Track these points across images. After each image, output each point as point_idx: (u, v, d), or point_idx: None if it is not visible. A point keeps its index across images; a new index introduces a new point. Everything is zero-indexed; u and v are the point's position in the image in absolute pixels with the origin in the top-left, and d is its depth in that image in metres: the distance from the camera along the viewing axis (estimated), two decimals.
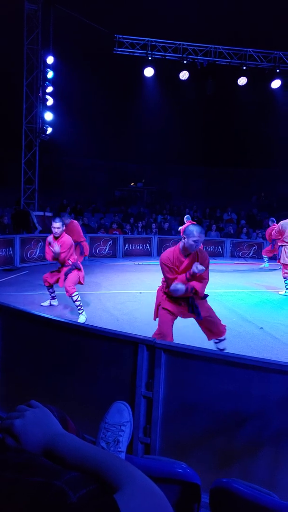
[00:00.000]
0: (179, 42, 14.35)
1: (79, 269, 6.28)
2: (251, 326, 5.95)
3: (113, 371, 2.50)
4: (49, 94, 14.02)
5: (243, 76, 15.00)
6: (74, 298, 6.02)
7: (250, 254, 14.80)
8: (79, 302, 6.06)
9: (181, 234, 11.35)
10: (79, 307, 6.06)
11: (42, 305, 6.83)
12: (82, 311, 6.08)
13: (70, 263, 6.19)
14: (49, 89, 13.97)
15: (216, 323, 4.04)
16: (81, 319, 5.98)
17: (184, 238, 3.68)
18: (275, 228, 8.81)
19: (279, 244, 8.68)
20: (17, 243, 11.07)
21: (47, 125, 14.13)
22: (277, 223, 11.37)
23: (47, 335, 2.82)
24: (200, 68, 14.63)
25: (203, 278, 3.80)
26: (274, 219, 12.06)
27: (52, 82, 14.03)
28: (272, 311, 7.08)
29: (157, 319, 4.12)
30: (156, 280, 9.59)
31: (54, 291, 6.76)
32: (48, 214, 14.53)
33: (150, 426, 2.35)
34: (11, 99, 14.11)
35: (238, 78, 15.08)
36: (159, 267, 3.98)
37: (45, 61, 13.69)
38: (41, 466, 0.78)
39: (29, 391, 2.89)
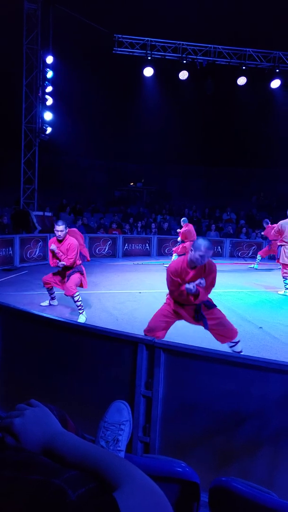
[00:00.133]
0: (178, 42, 14.35)
1: (82, 274, 6.27)
2: (250, 325, 5.95)
3: (113, 371, 2.51)
4: (49, 94, 14.02)
5: (243, 76, 14.98)
6: (76, 298, 6.02)
7: (250, 254, 14.80)
8: (80, 302, 6.07)
9: (179, 236, 11.38)
10: (79, 307, 6.06)
11: (41, 305, 6.83)
12: (83, 311, 6.08)
13: (79, 262, 6.19)
14: (49, 89, 13.96)
15: (228, 327, 4.05)
16: (81, 319, 5.98)
17: (192, 250, 3.70)
18: (275, 228, 8.81)
19: (278, 244, 8.68)
20: (16, 243, 11.06)
21: (47, 125, 14.13)
22: (272, 223, 11.41)
23: (47, 335, 2.82)
24: (200, 68, 14.63)
25: (209, 286, 3.86)
26: (268, 221, 12.06)
27: (52, 82, 14.02)
28: (271, 310, 7.09)
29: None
30: (156, 280, 9.64)
31: (54, 292, 6.76)
32: (47, 214, 14.53)
33: (149, 425, 2.36)
34: (11, 99, 14.11)
35: (238, 78, 15.06)
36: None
37: (44, 61, 13.68)
38: (41, 465, 0.78)
39: (28, 390, 2.89)
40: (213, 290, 3.97)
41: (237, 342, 4.14)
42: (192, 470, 1.47)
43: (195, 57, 14.50)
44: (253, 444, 2.16)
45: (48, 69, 13.75)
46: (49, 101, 14.06)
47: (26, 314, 2.90)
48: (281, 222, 8.54)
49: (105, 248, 13.79)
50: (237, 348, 4.15)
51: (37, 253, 11.74)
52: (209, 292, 3.91)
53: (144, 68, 14.63)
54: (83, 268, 6.35)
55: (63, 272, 6.21)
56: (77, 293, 6.00)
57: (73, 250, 6.07)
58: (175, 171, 22.46)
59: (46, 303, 6.88)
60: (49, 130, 14.21)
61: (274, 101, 16.21)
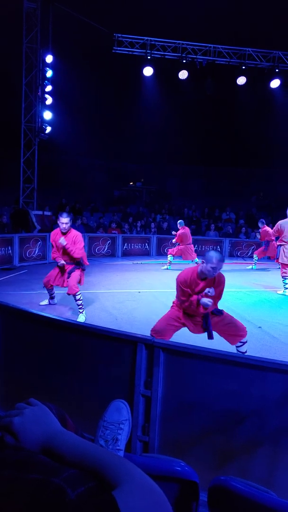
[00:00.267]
0: (178, 42, 14.34)
1: (84, 270, 6.26)
2: (249, 325, 5.95)
3: (112, 370, 2.51)
4: (48, 93, 14.00)
5: (242, 75, 14.98)
6: (78, 297, 6.02)
7: (249, 254, 14.79)
8: (81, 301, 6.07)
9: (175, 239, 11.37)
10: (80, 306, 6.06)
11: (40, 304, 6.83)
12: (83, 311, 6.08)
13: (79, 257, 6.16)
14: (48, 88, 13.94)
15: (238, 326, 4.08)
16: (81, 318, 5.97)
17: (203, 262, 3.72)
18: (274, 228, 8.81)
19: (277, 243, 8.69)
20: (16, 242, 11.06)
21: (46, 124, 14.12)
22: (272, 223, 11.41)
23: (46, 334, 2.82)
24: (199, 67, 14.62)
25: (216, 298, 3.89)
26: (263, 221, 12.05)
27: (51, 81, 14.00)
28: (270, 310, 7.09)
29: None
30: (155, 280, 9.64)
31: (54, 291, 6.76)
32: (47, 213, 14.52)
33: (148, 425, 2.36)
34: (10, 98, 14.09)
35: (237, 77, 15.05)
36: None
37: (44, 60, 13.66)
38: (40, 464, 0.78)
39: (28, 389, 2.89)
40: None
41: (244, 342, 4.18)
42: (191, 469, 1.47)
43: (194, 56, 14.49)
44: (252, 444, 2.16)
45: (47, 68, 13.74)
46: (49, 100, 14.04)
47: (25, 314, 2.90)
48: (280, 221, 8.55)
49: (105, 247, 13.79)
50: (243, 348, 4.17)
51: (36, 253, 11.74)
52: (216, 304, 3.95)
53: (143, 67, 14.62)
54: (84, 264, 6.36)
55: (63, 268, 6.19)
56: (79, 292, 6.01)
57: (80, 241, 6.05)
58: (175, 170, 22.46)
59: (45, 302, 6.88)
60: (48, 129, 14.19)
61: (273, 101, 16.21)
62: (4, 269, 10.36)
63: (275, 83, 15.13)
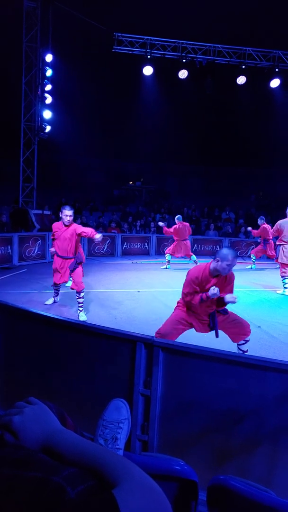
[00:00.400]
0: (178, 41, 14.33)
1: (82, 262, 6.30)
2: None
3: (112, 369, 2.51)
4: (48, 92, 13.98)
5: (242, 75, 14.96)
6: (81, 294, 6.06)
7: (248, 253, 14.79)
8: (83, 299, 6.10)
9: (164, 231, 11.34)
10: (81, 304, 6.07)
11: (46, 304, 6.78)
12: (82, 309, 6.09)
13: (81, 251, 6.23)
14: (48, 87, 13.93)
15: (244, 324, 4.12)
16: (83, 317, 5.98)
17: (218, 260, 3.71)
18: (274, 227, 8.81)
19: (277, 243, 8.69)
20: (15, 242, 11.06)
21: (46, 124, 14.11)
22: (272, 223, 11.39)
23: (46, 333, 2.82)
24: (199, 67, 14.61)
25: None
26: (263, 217, 12.03)
27: (51, 80, 13.99)
28: (269, 310, 7.10)
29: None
30: (154, 279, 9.64)
31: (59, 289, 6.80)
32: (46, 212, 14.52)
33: (148, 424, 2.36)
34: (10, 97, 14.08)
35: (237, 77, 15.03)
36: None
37: (44, 59, 13.65)
38: (39, 462, 0.78)
39: (27, 388, 2.90)
40: None
41: (247, 341, 4.19)
42: (190, 468, 1.47)
43: (194, 56, 14.48)
44: (251, 443, 2.16)
45: (47, 67, 13.73)
46: (48, 99, 14.03)
47: (25, 313, 2.90)
48: (280, 221, 8.55)
49: (104, 247, 13.78)
50: (245, 347, 4.18)
51: (36, 252, 11.74)
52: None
53: (143, 67, 14.60)
54: (83, 257, 6.40)
55: (63, 263, 6.19)
56: (83, 290, 6.09)
57: (82, 227, 6.18)
58: (174, 170, 22.45)
59: (51, 301, 6.86)
60: (48, 128, 14.19)
61: (273, 101, 16.20)
62: (4, 268, 10.36)
63: (275, 83, 15.12)
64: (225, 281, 3.89)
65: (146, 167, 22.19)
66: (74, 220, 6.34)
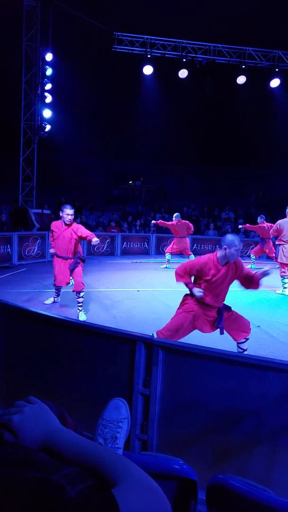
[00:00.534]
0: (178, 40, 14.31)
1: (84, 260, 6.27)
2: None
3: (111, 368, 2.51)
4: (48, 91, 13.97)
5: (242, 74, 14.95)
6: (81, 294, 6.05)
7: (247, 253, 14.79)
8: (83, 299, 6.09)
9: (160, 222, 11.34)
10: (80, 304, 6.07)
11: (45, 303, 6.76)
12: (82, 309, 6.08)
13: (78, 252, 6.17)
14: (48, 86, 13.92)
15: (245, 321, 4.15)
16: (82, 317, 5.98)
17: (226, 248, 3.74)
18: (273, 227, 8.81)
19: (276, 243, 8.69)
20: (15, 241, 11.05)
21: (46, 123, 14.10)
22: (272, 222, 11.38)
23: (45, 333, 2.82)
24: (199, 66, 14.60)
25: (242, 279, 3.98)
26: (263, 216, 12.03)
27: (51, 79, 13.98)
28: (269, 309, 7.10)
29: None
30: (154, 278, 9.64)
31: (60, 290, 6.77)
32: (46, 211, 14.52)
33: (147, 423, 2.36)
34: (10, 96, 14.07)
35: (237, 76, 15.02)
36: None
37: (44, 58, 13.64)
38: (39, 462, 0.78)
39: (27, 387, 2.90)
40: None
41: (247, 339, 4.21)
42: (189, 468, 1.47)
43: (194, 55, 14.47)
44: (251, 442, 2.16)
45: (47, 67, 13.72)
46: (48, 98, 14.02)
47: (24, 312, 2.89)
48: (280, 221, 8.55)
49: (104, 246, 13.79)
50: (245, 345, 4.19)
51: (35, 251, 11.73)
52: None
53: (143, 66, 14.59)
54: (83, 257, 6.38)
55: (63, 264, 6.16)
56: (83, 289, 6.08)
57: (84, 229, 6.13)
58: (174, 169, 22.45)
59: (50, 300, 6.85)
60: (48, 127, 14.18)
61: (273, 100, 16.19)
62: (3, 267, 10.35)
63: (275, 83, 15.11)
64: (236, 268, 3.88)
65: (146, 167, 22.19)
66: (74, 220, 6.32)
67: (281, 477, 2.12)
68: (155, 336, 3.87)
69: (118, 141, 18.99)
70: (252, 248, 14.15)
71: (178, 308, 4.16)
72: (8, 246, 10.89)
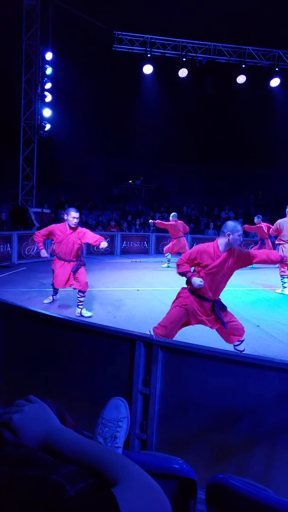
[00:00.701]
0: (178, 40, 14.31)
1: (84, 264, 6.24)
2: (248, 324, 5.95)
3: (111, 368, 2.51)
4: (48, 90, 13.96)
5: (242, 74, 14.95)
6: (84, 293, 6.05)
7: None
8: (84, 298, 6.11)
9: (157, 223, 11.38)
10: (81, 303, 6.07)
11: (44, 302, 6.73)
12: (83, 307, 6.09)
13: (80, 254, 6.14)
14: (48, 85, 13.91)
15: (239, 325, 4.11)
16: (87, 313, 6.03)
17: (229, 234, 3.74)
18: (273, 227, 8.81)
19: (276, 242, 8.69)
20: (14, 240, 11.05)
21: (46, 122, 14.09)
22: (272, 222, 11.38)
23: (45, 332, 2.82)
24: (199, 65, 14.59)
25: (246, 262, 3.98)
26: (260, 216, 12.02)
27: (51, 78, 13.97)
28: (268, 309, 7.10)
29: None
30: (154, 278, 9.64)
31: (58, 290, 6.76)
32: (46, 211, 14.52)
33: (146, 423, 2.36)
34: (10, 95, 14.06)
35: (237, 76, 15.02)
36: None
37: (44, 57, 13.63)
38: (39, 461, 0.78)
39: (27, 387, 2.90)
40: None
41: (242, 341, 4.19)
42: (189, 467, 1.47)
43: (194, 54, 14.46)
44: (250, 442, 2.17)
45: (47, 66, 13.71)
46: (48, 97, 14.01)
47: (24, 311, 2.89)
48: (279, 220, 8.55)
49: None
50: (241, 347, 4.18)
51: (35, 250, 11.72)
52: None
53: (143, 65, 14.59)
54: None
55: (64, 266, 6.09)
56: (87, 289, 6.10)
57: (87, 230, 6.07)
58: (174, 169, 22.44)
59: (49, 299, 6.83)
60: (48, 126, 14.17)
61: (273, 100, 16.20)
62: (3, 266, 10.35)
63: (275, 82, 15.10)
64: (236, 254, 3.87)
65: (146, 166, 22.19)
66: None
67: (281, 477, 2.12)
68: (152, 333, 3.88)
69: (118, 140, 18.99)
70: (251, 248, 14.15)
71: (173, 302, 4.15)
72: (8, 245, 10.89)
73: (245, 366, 2.17)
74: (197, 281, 3.76)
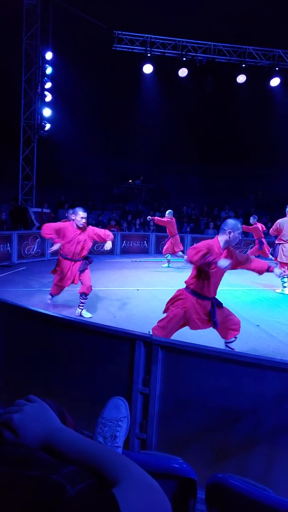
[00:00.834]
0: (178, 39, 14.30)
1: (91, 262, 6.21)
2: (247, 324, 5.96)
3: (111, 367, 2.51)
4: (48, 90, 13.96)
5: (242, 73, 14.94)
6: (87, 296, 6.03)
7: (247, 252, 14.79)
8: (86, 300, 6.09)
9: (156, 220, 11.43)
10: (83, 304, 6.06)
11: (48, 302, 6.69)
12: (84, 308, 6.08)
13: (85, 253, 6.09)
14: (48, 85, 13.91)
15: (236, 319, 4.14)
16: (88, 314, 6.01)
17: (230, 232, 3.77)
18: (273, 227, 8.81)
19: (276, 242, 8.69)
20: (14, 239, 11.05)
21: (46, 121, 14.09)
22: (271, 222, 11.36)
23: (45, 332, 2.82)
24: (199, 65, 14.59)
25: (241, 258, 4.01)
26: (256, 216, 12.00)
27: (51, 78, 13.97)
28: (268, 309, 7.11)
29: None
30: (154, 277, 9.64)
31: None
32: (46, 210, 14.52)
33: (146, 422, 2.36)
34: (10, 95, 14.05)
35: (237, 75, 15.01)
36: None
37: (44, 57, 13.63)
38: (39, 460, 0.78)
39: (27, 387, 2.90)
40: None
41: (236, 338, 4.21)
42: (189, 467, 1.47)
43: (194, 54, 14.45)
44: (250, 441, 2.17)
45: (47, 65, 13.71)
46: (48, 97, 14.01)
47: (24, 311, 2.89)
48: (279, 220, 8.56)
49: (103, 245, 13.76)
50: (233, 345, 4.19)
51: (35, 250, 11.73)
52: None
53: (143, 65, 14.58)
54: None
55: (72, 265, 6.04)
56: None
57: (97, 229, 6.08)
58: (174, 168, 22.43)
59: (48, 300, 6.78)
60: (48, 126, 14.17)
61: (273, 100, 16.19)
62: (3, 266, 10.35)
63: (275, 82, 15.09)
64: (232, 254, 3.89)
65: (146, 166, 22.18)
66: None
67: (280, 476, 2.12)
68: (151, 333, 3.88)
69: (118, 140, 18.98)
70: (251, 247, 14.17)
71: (169, 303, 4.10)
72: (8, 245, 10.89)
73: (245, 366, 2.17)
74: (226, 262, 3.61)
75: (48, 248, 12.06)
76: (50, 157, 18.36)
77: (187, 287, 4.02)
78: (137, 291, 8.01)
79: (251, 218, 11.85)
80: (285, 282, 8.38)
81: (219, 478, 1.38)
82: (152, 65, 14.59)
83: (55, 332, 2.77)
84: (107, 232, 6.04)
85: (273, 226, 8.79)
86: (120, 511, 0.66)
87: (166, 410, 2.35)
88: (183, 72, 14.78)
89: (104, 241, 5.99)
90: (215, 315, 3.95)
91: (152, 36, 14.25)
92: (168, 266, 11.38)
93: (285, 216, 8.46)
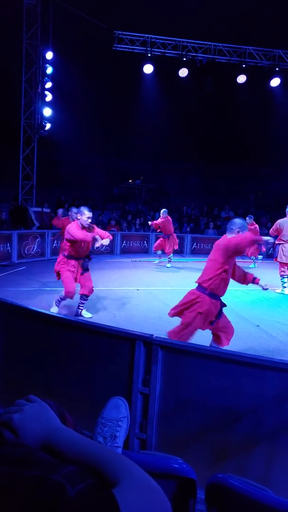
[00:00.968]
0: (178, 39, 14.29)
1: (90, 259, 6.18)
2: (247, 324, 5.97)
3: (111, 367, 2.51)
4: (48, 89, 13.96)
5: (243, 74, 14.94)
6: (88, 298, 6.01)
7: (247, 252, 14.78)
8: (87, 301, 6.09)
9: (153, 226, 11.48)
10: (82, 305, 6.06)
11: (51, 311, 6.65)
12: (83, 308, 6.08)
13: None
14: (48, 84, 13.91)
15: (231, 327, 4.13)
16: (88, 314, 6.00)
17: (239, 231, 3.78)
18: (273, 227, 8.80)
19: (276, 242, 8.68)
20: (14, 239, 11.05)
21: (46, 121, 14.09)
22: (271, 222, 11.36)
23: (45, 332, 2.82)
24: (200, 65, 14.58)
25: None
26: (252, 216, 12.00)
27: (51, 77, 13.97)
28: (268, 309, 7.11)
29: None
30: (154, 277, 9.64)
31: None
32: (46, 210, 14.52)
33: (146, 422, 2.36)
34: (10, 95, 14.05)
35: (238, 76, 15.01)
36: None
37: (44, 57, 13.63)
38: (39, 460, 0.78)
39: (27, 387, 2.90)
40: None
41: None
42: (189, 467, 1.47)
43: (195, 54, 14.45)
44: (249, 441, 2.17)
45: (47, 65, 13.71)
46: (49, 97, 14.00)
47: (24, 311, 2.89)
48: (279, 220, 8.55)
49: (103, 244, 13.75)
50: (231, 346, 4.18)
51: (35, 249, 11.73)
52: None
53: (144, 65, 14.58)
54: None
55: (76, 264, 5.96)
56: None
57: (100, 229, 6.11)
58: (174, 168, 22.42)
59: (55, 309, 6.67)
60: (48, 126, 14.17)
61: (273, 100, 16.19)
62: (3, 265, 10.35)
63: (275, 82, 15.09)
64: None
65: (146, 166, 22.18)
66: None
67: (280, 477, 2.12)
68: (168, 336, 3.83)
69: (118, 139, 18.98)
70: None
71: (182, 306, 3.95)
72: (8, 245, 10.89)
73: (245, 366, 2.17)
74: (266, 238, 3.83)
75: (48, 248, 12.08)
76: (50, 156, 18.38)
77: (203, 288, 3.87)
78: (137, 291, 8.01)
79: (247, 218, 11.78)
80: (285, 282, 8.38)
81: (219, 478, 1.38)
82: (152, 65, 14.58)
83: (55, 332, 2.77)
84: (107, 233, 6.06)
85: (273, 226, 8.78)
86: (120, 511, 0.66)
87: (166, 410, 2.35)
88: (183, 72, 14.78)
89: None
90: (221, 315, 3.95)
91: (153, 36, 14.24)
92: (161, 261, 11.50)
93: (285, 216, 8.45)
